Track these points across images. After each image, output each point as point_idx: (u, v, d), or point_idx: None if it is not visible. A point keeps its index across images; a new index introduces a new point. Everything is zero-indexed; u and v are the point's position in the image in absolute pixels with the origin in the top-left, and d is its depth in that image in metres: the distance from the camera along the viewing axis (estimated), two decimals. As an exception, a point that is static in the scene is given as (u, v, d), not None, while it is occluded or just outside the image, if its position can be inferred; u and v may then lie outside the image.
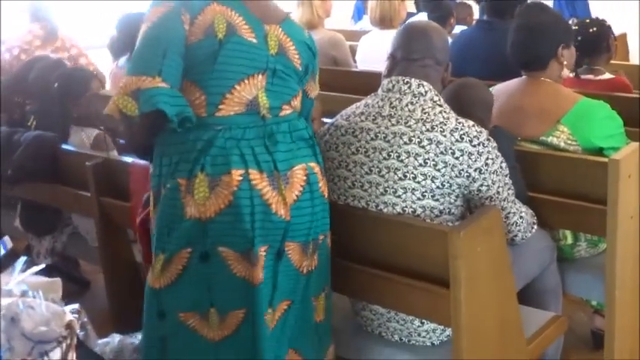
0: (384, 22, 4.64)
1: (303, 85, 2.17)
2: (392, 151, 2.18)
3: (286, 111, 2.09)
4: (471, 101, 2.60)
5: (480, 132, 2.19)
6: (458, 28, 5.49)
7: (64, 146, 3.27)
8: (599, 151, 2.63)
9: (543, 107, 2.71)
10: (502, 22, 3.74)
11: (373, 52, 4.54)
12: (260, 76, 2.02)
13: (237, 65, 1.99)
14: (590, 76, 3.50)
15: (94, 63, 4.96)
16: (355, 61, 4.83)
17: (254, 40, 2.02)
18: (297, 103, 2.14)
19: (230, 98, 1.99)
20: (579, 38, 3.43)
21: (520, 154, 2.59)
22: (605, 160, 2.42)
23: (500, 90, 2.88)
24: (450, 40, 4.90)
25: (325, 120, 2.63)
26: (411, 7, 5.81)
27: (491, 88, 2.91)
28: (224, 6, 2.01)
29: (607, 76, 3.54)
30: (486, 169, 2.18)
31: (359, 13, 6.80)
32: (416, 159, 2.14)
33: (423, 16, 5.55)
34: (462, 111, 2.45)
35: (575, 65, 3.41)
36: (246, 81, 2.00)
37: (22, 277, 1.56)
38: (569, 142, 2.65)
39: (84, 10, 6.21)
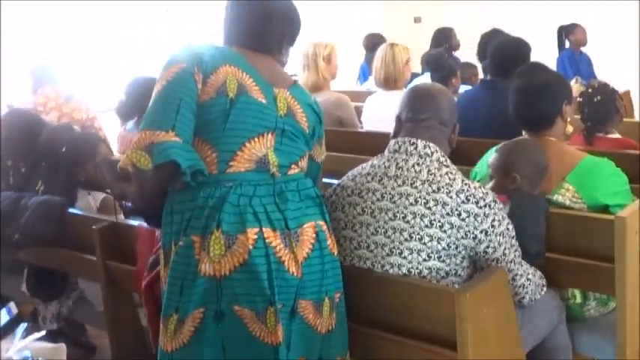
0: (388, 83, 4.68)
1: (310, 148, 2.21)
2: (398, 212, 2.18)
3: (294, 170, 2.13)
4: (522, 161, 2.60)
5: (487, 193, 2.20)
6: (463, 88, 5.54)
7: (71, 210, 3.28)
8: (605, 209, 2.62)
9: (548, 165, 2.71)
10: (505, 82, 3.74)
11: (378, 112, 4.57)
12: (269, 135, 2.08)
13: (248, 123, 2.05)
14: (600, 134, 3.54)
15: (103, 127, 5.01)
16: (361, 122, 4.86)
17: (263, 101, 2.08)
18: (304, 163, 2.18)
19: (240, 155, 2.04)
20: (586, 110, 3.47)
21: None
22: (612, 217, 2.40)
23: (505, 149, 2.88)
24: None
25: (330, 180, 2.63)
26: (415, 67, 5.87)
27: (494, 147, 2.92)
28: (236, 67, 2.07)
29: (616, 135, 3.57)
30: (492, 231, 2.17)
31: (364, 75, 6.89)
32: (422, 220, 2.15)
33: (427, 77, 5.61)
34: (512, 169, 2.54)
35: (586, 132, 3.46)
36: (256, 139, 2.05)
37: (22, 344, 1.55)
38: (574, 199, 2.64)
39: (91, 73, 6.29)
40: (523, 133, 2.88)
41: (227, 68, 2.06)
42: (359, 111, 4.85)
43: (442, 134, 2.32)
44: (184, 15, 6.74)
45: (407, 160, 2.25)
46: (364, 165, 2.36)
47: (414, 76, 5.66)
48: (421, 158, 2.24)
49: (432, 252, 2.15)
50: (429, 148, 2.25)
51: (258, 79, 2.10)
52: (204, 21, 6.96)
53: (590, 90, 3.67)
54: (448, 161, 2.27)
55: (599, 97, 3.53)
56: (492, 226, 2.17)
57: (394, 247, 2.18)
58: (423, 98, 2.35)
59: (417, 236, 2.15)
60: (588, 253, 2.49)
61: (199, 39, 6.64)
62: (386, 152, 2.32)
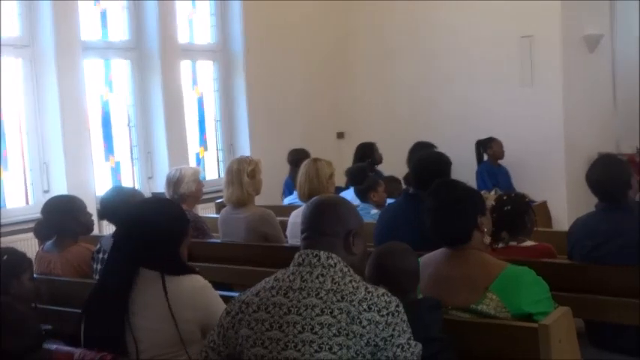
0: (312, 197, 4.66)
1: None
2: (306, 324, 2.18)
3: None
4: (394, 271, 2.66)
5: (389, 302, 2.21)
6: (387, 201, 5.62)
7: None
8: (529, 317, 2.64)
9: (471, 276, 2.73)
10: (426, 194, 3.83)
11: (303, 226, 4.57)
12: None
13: None
14: (514, 243, 3.61)
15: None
16: (286, 236, 4.85)
17: None
18: None
19: None
20: (494, 215, 3.56)
21: (451, 324, 2.58)
22: (535, 325, 2.42)
23: (428, 260, 2.91)
24: (378, 211, 5.04)
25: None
26: (339, 181, 5.95)
27: (419, 259, 2.93)
28: None
29: (529, 243, 3.64)
30: (392, 341, 2.16)
31: (289, 189, 6.93)
32: (329, 329, 2.15)
33: (351, 191, 5.68)
34: (385, 280, 2.56)
35: (492, 239, 3.52)
36: None
37: None
38: (499, 309, 2.66)
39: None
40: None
41: None
42: (284, 225, 4.86)
43: (344, 244, 2.37)
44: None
45: (311, 272, 2.28)
46: (267, 279, 2.37)
47: (339, 190, 5.73)
48: (325, 269, 2.28)
49: None
50: (332, 259, 2.30)
51: None
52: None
53: (504, 197, 3.78)
54: (351, 271, 2.31)
55: (509, 207, 3.63)
56: (392, 335, 2.16)
57: None
58: (324, 211, 2.43)
59: (327, 346, 2.14)
60: (514, 363, 2.49)
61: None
62: (291, 266, 2.35)
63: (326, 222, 2.38)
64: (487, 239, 2.93)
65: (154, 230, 2.73)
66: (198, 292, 2.71)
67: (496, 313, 2.65)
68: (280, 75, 8.14)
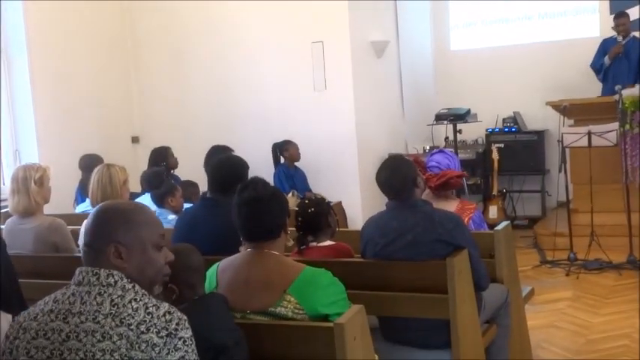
0: (106, 204, 4.54)
1: None
2: (87, 351, 2.03)
3: None
4: (180, 268, 2.58)
5: (169, 321, 2.09)
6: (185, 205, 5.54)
7: None
8: (325, 318, 2.69)
9: (269, 279, 2.75)
10: (225, 199, 3.81)
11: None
12: None
13: None
14: (314, 243, 3.71)
15: None
16: (78, 246, 4.64)
17: None
18: None
19: None
20: (300, 219, 3.65)
21: (248, 328, 2.58)
22: (331, 325, 2.47)
23: (227, 264, 2.90)
24: (175, 217, 4.97)
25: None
26: (135, 187, 5.80)
27: (217, 263, 2.92)
28: None
29: (328, 242, 3.75)
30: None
31: (81, 196, 6.66)
32: (112, 355, 2.01)
33: (147, 197, 5.57)
34: (172, 280, 2.52)
35: (298, 242, 3.61)
36: None
37: None
38: (296, 311, 2.69)
39: None
40: (241, 247, 2.91)
41: None
42: (76, 235, 4.65)
43: (126, 257, 2.17)
44: None
45: (89, 293, 2.10)
46: (46, 300, 2.18)
47: (135, 196, 5.59)
48: (103, 287, 2.11)
49: None
50: (112, 277, 2.13)
51: None
52: None
53: (306, 201, 3.87)
54: (136, 287, 2.15)
55: (312, 209, 3.72)
56: (170, 354, 2.04)
57: None
58: (101, 223, 2.20)
59: None
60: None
61: None
62: (71, 284, 2.16)
63: (106, 236, 2.16)
64: (290, 242, 2.97)
65: None
66: None
67: (293, 315, 2.68)
68: (69, 79, 7.82)
